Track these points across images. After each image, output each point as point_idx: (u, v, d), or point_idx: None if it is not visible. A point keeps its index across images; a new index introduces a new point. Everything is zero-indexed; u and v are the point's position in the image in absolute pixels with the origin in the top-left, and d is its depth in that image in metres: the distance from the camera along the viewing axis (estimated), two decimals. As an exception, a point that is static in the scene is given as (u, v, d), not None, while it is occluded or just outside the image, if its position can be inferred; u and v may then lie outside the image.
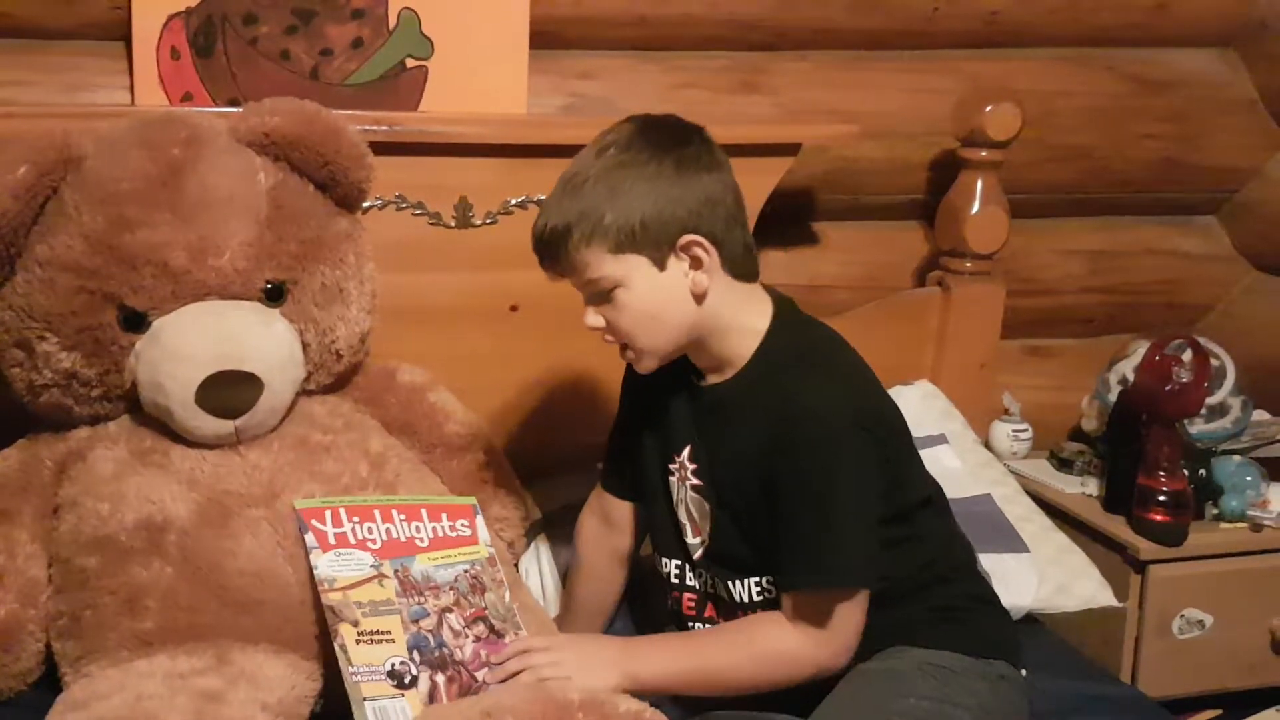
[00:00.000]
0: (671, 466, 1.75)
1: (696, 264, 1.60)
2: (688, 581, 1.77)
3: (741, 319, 1.66)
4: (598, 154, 1.62)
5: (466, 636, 1.62)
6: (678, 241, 1.59)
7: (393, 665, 1.55)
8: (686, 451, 1.72)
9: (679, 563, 1.77)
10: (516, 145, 2.20)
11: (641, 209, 1.57)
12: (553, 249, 1.62)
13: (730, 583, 1.70)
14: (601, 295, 1.62)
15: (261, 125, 1.81)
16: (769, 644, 1.61)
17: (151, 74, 2.14)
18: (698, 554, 1.74)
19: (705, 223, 1.60)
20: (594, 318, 1.65)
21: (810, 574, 1.59)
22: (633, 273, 1.59)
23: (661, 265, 1.59)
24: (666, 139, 1.62)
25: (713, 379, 1.70)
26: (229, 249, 1.74)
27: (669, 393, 1.74)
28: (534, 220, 1.64)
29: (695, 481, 1.72)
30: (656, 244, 1.58)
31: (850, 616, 1.60)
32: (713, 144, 1.66)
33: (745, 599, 1.69)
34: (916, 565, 1.70)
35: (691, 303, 1.62)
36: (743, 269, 1.65)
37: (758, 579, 1.68)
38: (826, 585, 1.59)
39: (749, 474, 1.63)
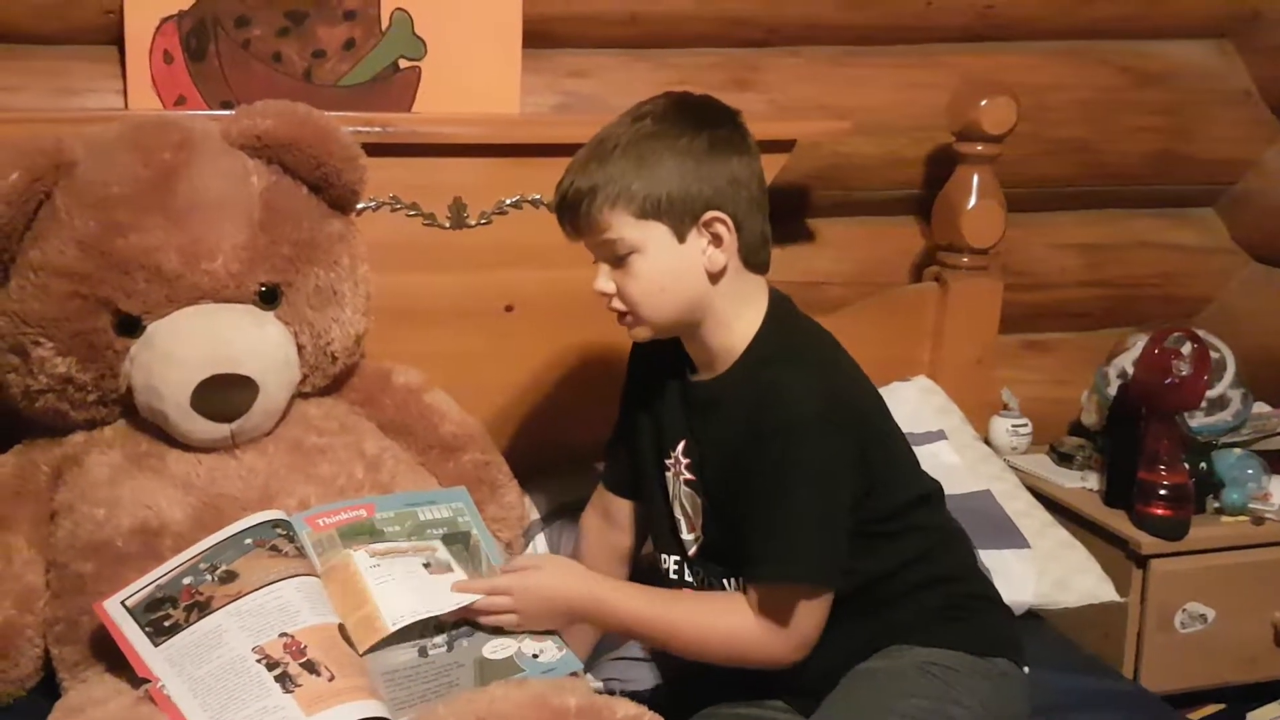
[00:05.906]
0: (667, 462, 1.75)
1: (716, 241, 1.61)
2: (686, 577, 1.76)
3: (740, 311, 1.66)
4: (633, 121, 1.63)
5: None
6: (702, 216, 1.60)
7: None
8: (681, 446, 1.73)
9: (677, 559, 1.77)
10: (510, 145, 2.20)
11: (669, 181, 1.58)
12: (574, 209, 1.62)
13: (725, 580, 1.70)
14: (616, 259, 1.62)
15: (254, 128, 1.80)
16: (730, 624, 1.62)
17: (145, 78, 2.14)
18: (693, 550, 1.74)
19: (730, 203, 1.61)
20: (604, 281, 1.64)
21: (770, 567, 1.59)
22: (652, 240, 1.60)
23: (682, 238, 1.60)
24: (702, 117, 1.64)
25: (705, 375, 1.70)
26: (222, 252, 1.74)
27: (666, 390, 1.75)
28: (560, 179, 1.64)
29: (689, 476, 1.72)
30: (681, 216, 1.59)
31: (810, 614, 1.60)
32: (746, 130, 1.67)
33: None
34: (908, 558, 1.69)
35: (703, 279, 1.62)
36: (756, 258, 1.66)
37: None
38: (785, 580, 1.59)
39: (731, 466, 1.64)
